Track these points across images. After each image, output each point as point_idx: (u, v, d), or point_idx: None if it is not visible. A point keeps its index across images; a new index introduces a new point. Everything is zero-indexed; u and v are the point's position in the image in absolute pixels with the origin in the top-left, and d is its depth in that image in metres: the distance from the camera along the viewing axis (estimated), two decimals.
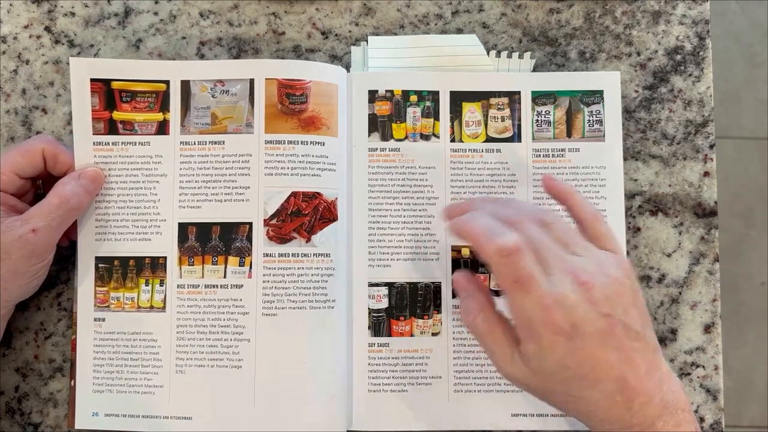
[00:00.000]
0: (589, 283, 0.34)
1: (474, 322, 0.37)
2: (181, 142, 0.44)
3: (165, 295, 0.43)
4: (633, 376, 0.34)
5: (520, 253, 0.34)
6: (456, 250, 0.44)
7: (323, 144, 0.44)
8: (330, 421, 0.42)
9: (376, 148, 0.45)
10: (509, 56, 0.46)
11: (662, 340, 0.45)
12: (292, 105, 0.43)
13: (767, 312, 1.18)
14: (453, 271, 0.44)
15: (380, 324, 0.44)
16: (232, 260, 0.43)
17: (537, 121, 0.45)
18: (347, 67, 0.46)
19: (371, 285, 0.44)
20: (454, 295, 0.44)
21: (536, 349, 0.34)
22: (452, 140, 0.45)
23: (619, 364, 0.34)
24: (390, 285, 0.44)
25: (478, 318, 0.36)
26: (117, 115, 0.44)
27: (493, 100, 0.45)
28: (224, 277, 0.43)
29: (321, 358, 0.42)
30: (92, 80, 0.43)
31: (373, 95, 0.45)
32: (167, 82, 0.44)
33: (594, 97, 0.45)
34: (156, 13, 0.47)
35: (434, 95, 0.45)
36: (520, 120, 0.45)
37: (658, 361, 0.35)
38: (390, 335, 0.44)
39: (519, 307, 0.34)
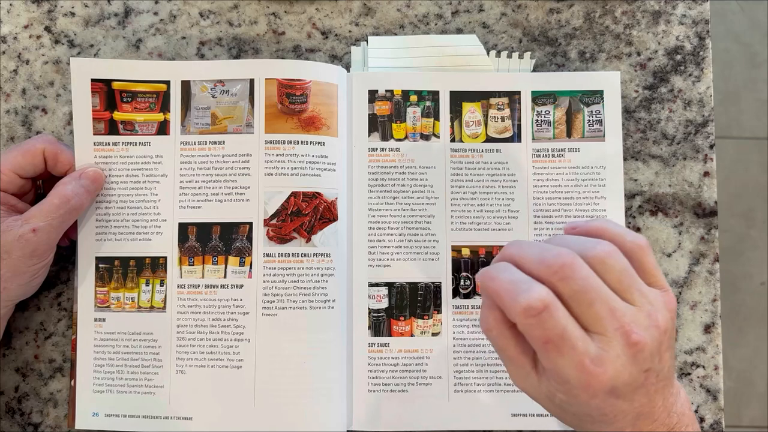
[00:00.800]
0: (640, 344, 0.31)
1: (489, 334, 0.34)
2: (181, 142, 0.44)
3: (165, 295, 0.43)
4: (648, 411, 0.33)
5: (549, 311, 0.30)
6: (456, 250, 0.44)
7: (323, 144, 0.44)
8: (330, 421, 0.42)
9: (376, 148, 0.45)
10: (509, 56, 0.46)
11: None
12: (292, 105, 0.43)
13: (767, 312, 1.18)
14: (453, 271, 0.44)
15: (380, 324, 0.44)
16: (232, 260, 0.43)
17: (537, 121, 0.45)
18: (347, 67, 0.46)
19: (371, 285, 0.44)
20: (454, 295, 0.44)
21: (565, 399, 0.32)
22: (452, 140, 0.45)
23: (640, 407, 0.32)
24: (390, 285, 0.44)
25: (493, 332, 0.33)
26: (117, 115, 0.44)
27: (493, 100, 0.45)
28: (224, 277, 0.43)
29: (321, 358, 0.42)
30: (93, 80, 0.43)
31: (373, 95, 0.45)
32: (167, 83, 0.44)
33: (594, 97, 0.45)
34: (156, 13, 0.47)
35: (434, 95, 0.45)
36: (520, 120, 0.45)
37: (672, 384, 0.34)
38: (390, 335, 0.44)
39: (553, 367, 0.31)
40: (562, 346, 0.30)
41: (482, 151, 0.45)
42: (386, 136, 0.45)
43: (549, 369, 0.31)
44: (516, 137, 0.45)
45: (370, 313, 0.44)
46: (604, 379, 0.30)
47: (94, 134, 0.44)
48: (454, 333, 0.44)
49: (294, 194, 0.43)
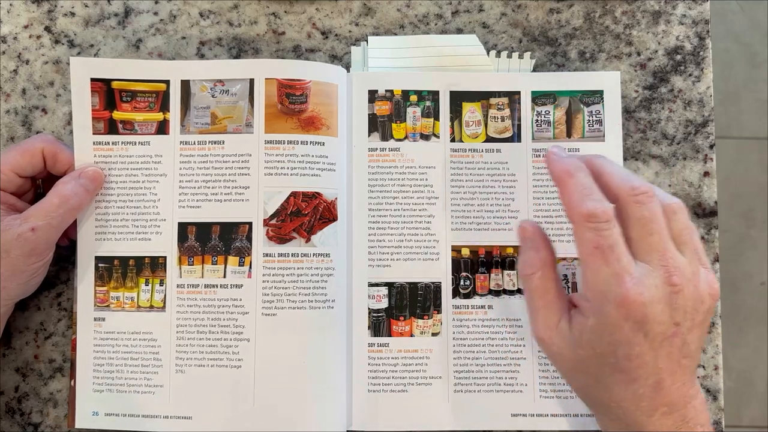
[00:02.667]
0: (678, 287, 0.32)
1: (532, 277, 0.35)
2: (181, 142, 0.44)
3: (165, 295, 0.43)
4: (667, 387, 0.33)
5: (610, 224, 0.32)
6: (456, 250, 0.44)
7: (323, 144, 0.44)
8: (330, 421, 0.42)
9: (376, 148, 0.45)
10: (509, 56, 0.46)
11: None
12: (292, 105, 0.43)
13: (767, 312, 1.18)
14: (453, 271, 0.44)
15: (380, 324, 0.44)
16: (232, 260, 0.43)
17: (537, 121, 0.45)
18: (347, 67, 0.46)
19: (371, 285, 0.44)
20: (454, 295, 0.44)
21: (595, 324, 0.33)
22: (452, 140, 0.45)
23: (661, 373, 0.33)
24: (390, 285, 0.44)
25: (537, 274, 0.35)
26: (117, 114, 0.44)
27: (493, 100, 0.45)
28: (224, 276, 0.43)
29: (321, 358, 0.42)
30: (92, 80, 0.43)
31: (373, 95, 0.45)
32: (167, 82, 0.44)
33: (594, 97, 0.45)
34: (156, 13, 0.47)
35: (434, 95, 0.45)
36: (520, 120, 0.45)
37: (693, 379, 0.34)
38: (390, 335, 0.44)
39: (594, 276, 0.32)
40: (610, 256, 0.32)
41: (482, 151, 0.45)
42: (386, 136, 0.45)
43: (588, 281, 0.33)
44: (516, 137, 0.45)
45: (370, 313, 0.44)
46: (638, 300, 0.31)
47: (93, 134, 0.44)
48: (454, 333, 0.44)
49: (294, 194, 0.43)
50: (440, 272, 0.44)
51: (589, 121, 0.45)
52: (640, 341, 0.32)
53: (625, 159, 0.46)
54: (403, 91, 0.45)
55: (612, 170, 0.35)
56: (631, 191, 0.33)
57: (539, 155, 0.45)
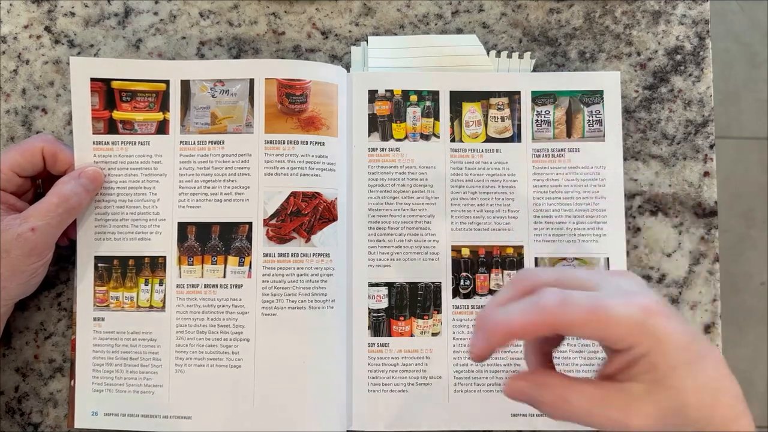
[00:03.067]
0: (648, 302, 0.29)
1: (570, 408, 0.29)
2: (180, 142, 0.44)
3: (164, 295, 0.43)
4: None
5: (563, 294, 0.29)
6: (456, 250, 0.44)
7: (323, 144, 0.43)
8: (330, 421, 0.42)
9: (376, 148, 0.45)
10: (509, 56, 0.46)
11: None
12: (292, 105, 0.43)
13: (767, 312, 1.18)
14: (453, 271, 0.44)
15: (380, 324, 0.44)
16: (232, 260, 0.43)
17: (537, 121, 0.45)
18: (347, 67, 0.46)
19: (371, 285, 0.44)
20: (454, 295, 0.44)
21: (643, 354, 0.28)
22: (452, 140, 0.45)
23: (693, 343, 0.29)
24: (390, 285, 0.44)
25: (573, 400, 0.29)
26: (117, 114, 0.44)
27: (493, 100, 0.45)
28: (224, 276, 0.43)
29: (321, 357, 0.42)
30: (92, 80, 0.43)
31: (373, 95, 0.45)
32: (167, 82, 0.44)
33: (594, 97, 0.45)
34: (156, 13, 0.47)
35: (434, 95, 0.45)
36: (520, 120, 0.45)
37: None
38: (390, 335, 0.44)
39: (609, 322, 0.28)
40: (601, 305, 0.28)
41: (482, 151, 0.45)
42: (386, 136, 0.45)
43: (609, 331, 0.28)
44: (516, 137, 0.45)
45: (370, 313, 0.44)
46: (645, 300, 0.28)
47: (93, 133, 0.43)
48: (454, 333, 0.44)
49: (293, 194, 0.43)
50: (440, 272, 0.44)
51: (589, 121, 0.45)
52: (666, 324, 0.28)
53: (625, 159, 0.46)
54: (403, 91, 0.45)
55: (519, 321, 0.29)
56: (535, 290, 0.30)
57: (539, 155, 0.45)
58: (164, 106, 0.44)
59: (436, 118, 0.45)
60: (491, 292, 0.44)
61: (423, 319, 0.44)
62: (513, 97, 0.45)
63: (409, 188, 0.44)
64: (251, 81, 0.43)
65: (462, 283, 0.44)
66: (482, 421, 0.43)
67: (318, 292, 0.43)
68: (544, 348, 0.33)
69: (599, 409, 0.29)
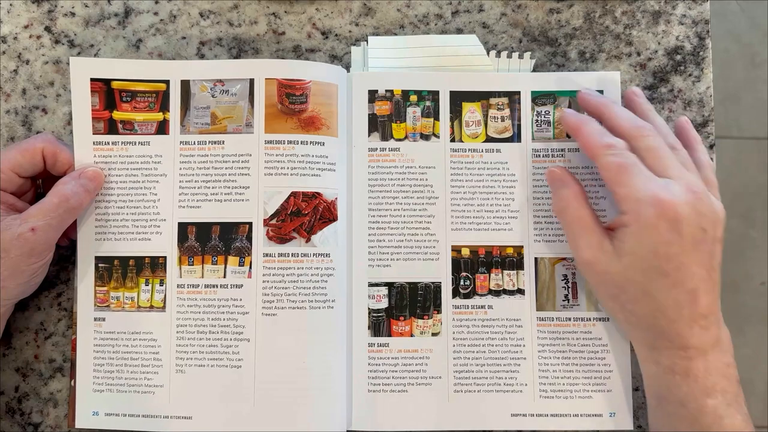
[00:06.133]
0: (698, 194, 0.36)
1: (566, 209, 0.40)
2: (180, 142, 0.44)
3: (165, 295, 0.43)
4: (704, 298, 0.36)
5: (627, 150, 0.38)
6: (456, 250, 0.44)
7: (323, 144, 0.44)
8: (330, 421, 0.42)
9: (376, 148, 0.45)
10: (509, 56, 0.46)
11: None
12: (292, 105, 0.43)
13: (767, 312, 1.18)
14: (453, 271, 0.44)
15: (380, 324, 0.44)
16: (232, 260, 0.43)
17: (537, 121, 0.45)
18: (347, 67, 0.46)
19: (371, 285, 0.44)
20: (454, 295, 0.44)
21: (635, 229, 0.36)
22: (452, 140, 0.45)
23: (699, 280, 0.36)
24: (390, 285, 0.44)
25: (571, 205, 0.39)
26: (117, 114, 0.44)
27: (492, 100, 0.45)
28: (224, 276, 0.43)
29: (321, 358, 0.42)
30: (92, 80, 0.43)
31: (373, 95, 0.45)
32: (167, 82, 0.44)
33: None
34: (156, 13, 0.47)
35: (434, 95, 0.45)
36: (519, 120, 0.45)
37: (718, 306, 0.37)
38: (390, 335, 0.44)
39: (626, 190, 0.37)
40: (634, 169, 0.37)
41: (482, 151, 0.45)
42: (386, 136, 0.45)
43: (622, 196, 0.37)
44: (516, 137, 0.45)
45: (369, 313, 0.44)
46: (670, 199, 0.36)
47: (93, 134, 0.44)
48: (454, 333, 0.44)
49: (294, 194, 0.43)
50: (440, 272, 0.44)
51: None
52: (676, 240, 0.36)
53: None
54: (403, 91, 0.45)
55: (617, 114, 0.40)
56: (637, 129, 0.39)
57: (539, 155, 0.45)
58: (164, 106, 0.44)
59: (436, 118, 0.45)
60: (491, 292, 0.44)
61: (423, 319, 0.44)
62: (513, 97, 0.45)
63: (409, 188, 0.44)
64: (251, 81, 0.43)
65: (462, 283, 0.44)
66: (482, 421, 0.43)
67: (318, 292, 0.43)
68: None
69: (574, 229, 0.39)
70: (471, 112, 0.45)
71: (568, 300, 0.44)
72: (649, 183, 0.36)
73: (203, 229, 0.43)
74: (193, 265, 0.43)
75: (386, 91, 0.45)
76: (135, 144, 0.44)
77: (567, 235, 0.40)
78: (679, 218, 0.36)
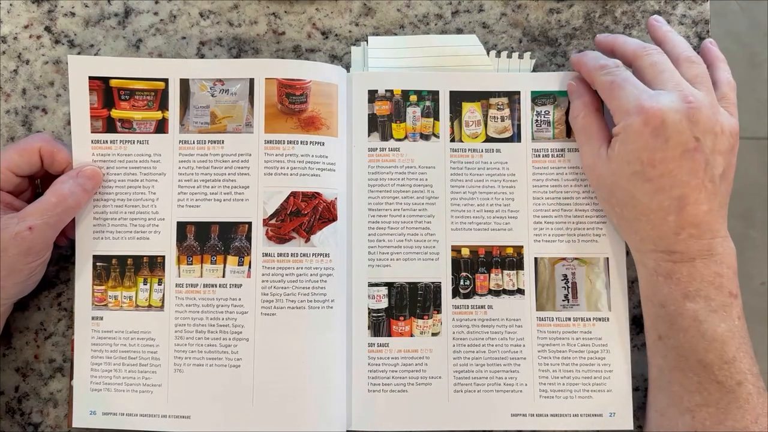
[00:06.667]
0: (694, 104, 0.37)
1: (577, 117, 0.42)
2: (180, 141, 0.44)
3: (163, 294, 0.43)
4: (692, 205, 0.36)
5: (620, 68, 0.39)
6: (456, 249, 0.44)
7: (323, 144, 0.43)
8: (330, 421, 0.42)
9: (376, 148, 0.45)
10: (509, 56, 0.46)
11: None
12: (292, 105, 0.43)
13: (767, 312, 1.18)
14: (453, 271, 0.44)
15: (380, 324, 0.44)
16: (231, 260, 0.43)
17: (536, 121, 0.45)
18: (347, 67, 0.46)
19: (371, 285, 0.44)
20: (454, 295, 0.44)
21: (623, 137, 0.38)
22: (452, 140, 0.45)
23: (686, 187, 0.36)
24: (390, 285, 0.44)
25: (581, 115, 0.42)
26: (115, 113, 0.44)
27: (492, 100, 0.45)
28: (223, 276, 0.43)
29: (320, 358, 0.42)
30: (91, 78, 0.43)
31: (373, 95, 0.45)
32: (166, 81, 0.44)
33: None
34: (156, 13, 0.47)
35: (434, 95, 0.45)
36: (519, 120, 0.45)
37: (720, 220, 0.38)
38: (390, 335, 0.44)
39: (617, 102, 0.38)
40: (625, 85, 0.38)
41: (482, 151, 0.45)
42: (386, 136, 0.45)
43: (614, 107, 0.39)
44: (516, 137, 0.45)
45: (369, 313, 0.44)
46: (655, 106, 0.36)
47: (91, 132, 0.43)
48: (454, 333, 0.44)
49: (293, 194, 0.43)
50: (440, 272, 0.44)
51: None
52: (662, 146, 0.36)
53: None
54: (403, 91, 0.45)
55: (625, 40, 0.42)
56: (642, 49, 0.40)
57: (539, 155, 0.45)
58: (163, 105, 0.44)
59: (436, 118, 0.45)
60: (491, 292, 0.44)
61: (423, 319, 0.44)
62: (513, 97, 0.45)
63: (409, 188, 0.44)
64: (251, 81, 0.43)
65: (462, 283, 0.44)
66: (482, 421, 0.43)
67: (318, 292, 0.43)
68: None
69: (580, 136, 0.42)
70: (471, 112, 0.45)
71: (568, 300, 0.44)
72: (638, 94, 0.37)
73: (202, 228, 0.43)
74: (191, 264, 0.43)
75: (386, 91, 0.45)
76: (133, 143, 0.44)
77: (577, 142, 0.43)
78: (665, 125, 0.36)
